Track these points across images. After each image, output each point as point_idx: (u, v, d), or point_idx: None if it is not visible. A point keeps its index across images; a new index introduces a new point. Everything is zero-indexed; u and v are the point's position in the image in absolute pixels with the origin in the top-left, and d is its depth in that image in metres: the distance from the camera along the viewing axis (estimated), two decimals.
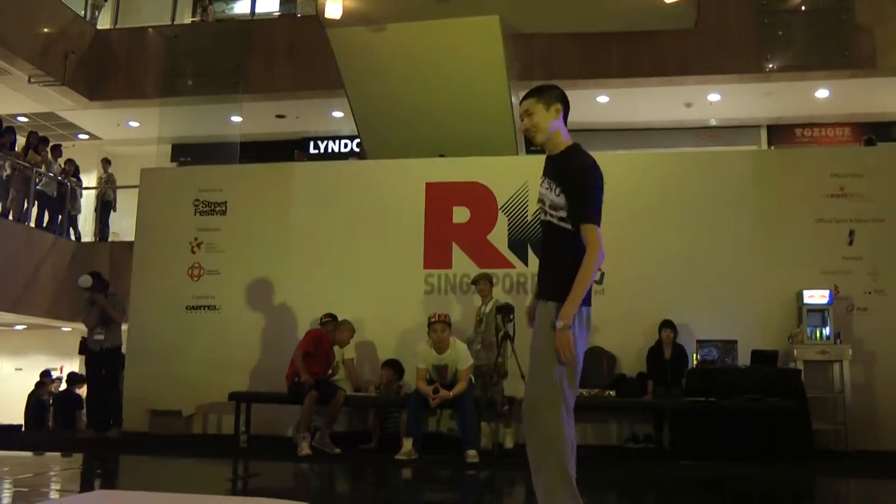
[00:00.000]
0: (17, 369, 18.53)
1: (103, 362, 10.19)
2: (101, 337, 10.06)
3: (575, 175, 3.88)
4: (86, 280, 10.03)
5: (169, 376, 10.78)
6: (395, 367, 9.49)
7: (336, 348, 9.49)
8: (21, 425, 14.48)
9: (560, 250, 3.88)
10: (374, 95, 12.43)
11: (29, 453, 8.87)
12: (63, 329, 16.91)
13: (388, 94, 12.26)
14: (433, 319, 8.45)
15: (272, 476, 7.54)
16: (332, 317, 9.51)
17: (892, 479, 7.49)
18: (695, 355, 9.45)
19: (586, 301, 3.85)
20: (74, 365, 16.84)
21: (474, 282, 9.60)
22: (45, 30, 15.73)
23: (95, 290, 10.06)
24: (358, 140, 15.92)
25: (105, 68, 16.63)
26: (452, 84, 11.87)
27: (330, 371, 9.29)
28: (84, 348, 10.29)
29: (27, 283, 14.06)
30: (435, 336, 8.40)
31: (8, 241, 13.74)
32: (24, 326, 17.43)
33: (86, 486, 6.76)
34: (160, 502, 5.03)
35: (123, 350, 10.84)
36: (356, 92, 12.54)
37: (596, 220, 3.81)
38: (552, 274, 3.91)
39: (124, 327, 11.25)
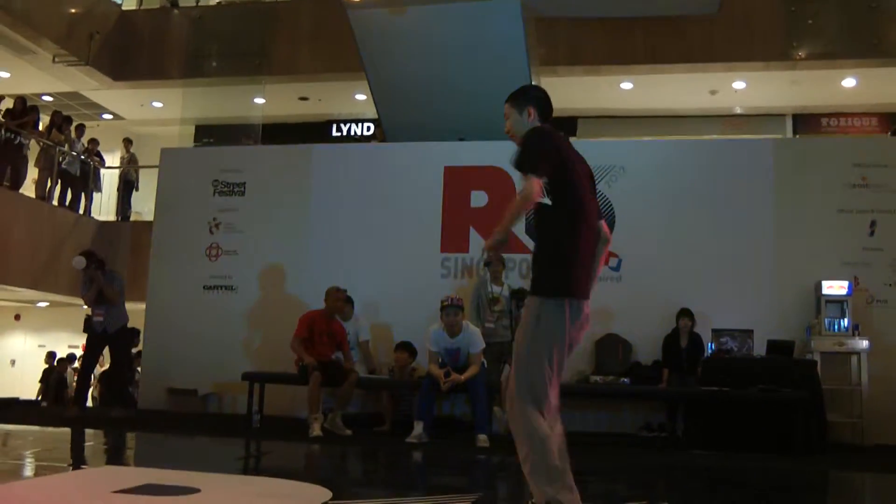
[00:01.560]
0: (39, 346, 18.69)
1: (105, 343, 10.16)
2: (100, 318, 9.91)
3: (523, 142, 3.95)
4: (79, 261, 9.88)
5: (185, 355, 10.89)
6: (408, 349, 9.46)
7: (352, 330, 9.52)
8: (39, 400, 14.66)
9: (540, 237, 3.94)
10: (395, 78, 12.38)
11: (46, 428, 8.92)
12: (84, 307, 17.00)
13: (409, 77, 12.21)
14: (446, 303, 8.43)
15: (283, 456, 7.57)
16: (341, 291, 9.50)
17: None
18: (711, 344, 9.38)
19: (582, 293, 3.83)
20: None
21: (487, 263, 9.57)
22: (71, 10, 15.81)
23: (93, 268, 9.91)
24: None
25: (129, 49, 16.70)
26: (473, 67, 11.79)
27: (341, 351, 9.23)
28: (87, 327, 10.23)
29: (49, 261, 14.16)
30: (447, 319, 8.37)
31: (31, 219, 13.85)
32: (47, 304, 17.57)
33: (97, 462, 6.81)
34: (167, 478, 5.04)
35: (138, 326, 10.87)
36: (377, 74, 12.50)
37: (533, 170, 3.78)
38: (533, 265, 4.00)
39: (141, 306, 11.32)
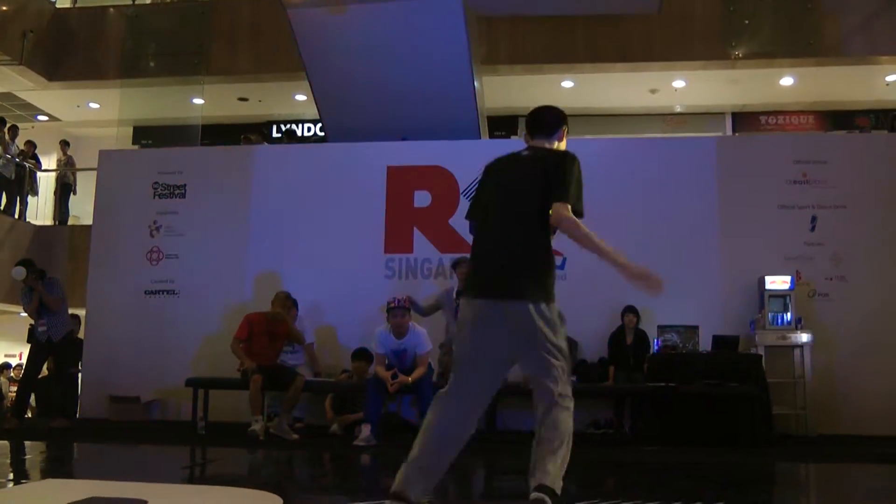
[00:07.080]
0: None
1: (49, 353, 9.94)
2: (43, 328, 9.73)
3: None
4: (19, 272, 9.64)
5: (127, 362, 10.66)
6: (365, 357, 9.31)
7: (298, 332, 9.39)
8: None
9: None
10: (336, 77, 12.27)
11: None
12: (21, 314, 16.60)
13: (350, 77, 12.10)
14: (392, 304, 8.37)
15: (230, 463, 7.43)
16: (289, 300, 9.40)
17: (852, 463, 7.51)
18: (657, 340, 9.44)
19: (472, 291, 3.98)
20: None
21: (455, 265, 9.37)
22: (2, 8, 15.46)
23: (33, 278, 9.70)
24: (321, 124, 15.66)
25: (64, 48, 16.35)
26: (415, 66, 11.74)
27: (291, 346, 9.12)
28: (31, 337, 9.99)
29: None
30: (394, 321, 8.31)
31: None
32: None
33: (38, 475, 6.61)
34: (112, 490, 4.90)
35: (81, 335, 10.63)
36: (317, 74, 12.38)
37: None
38: None
39: (81, 312, 11.07)
